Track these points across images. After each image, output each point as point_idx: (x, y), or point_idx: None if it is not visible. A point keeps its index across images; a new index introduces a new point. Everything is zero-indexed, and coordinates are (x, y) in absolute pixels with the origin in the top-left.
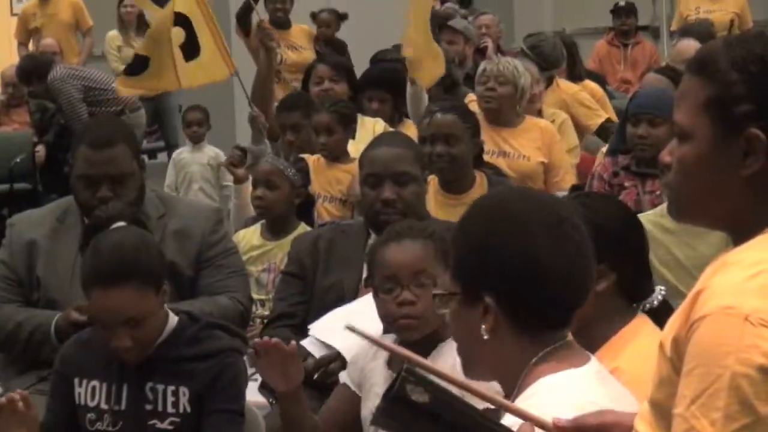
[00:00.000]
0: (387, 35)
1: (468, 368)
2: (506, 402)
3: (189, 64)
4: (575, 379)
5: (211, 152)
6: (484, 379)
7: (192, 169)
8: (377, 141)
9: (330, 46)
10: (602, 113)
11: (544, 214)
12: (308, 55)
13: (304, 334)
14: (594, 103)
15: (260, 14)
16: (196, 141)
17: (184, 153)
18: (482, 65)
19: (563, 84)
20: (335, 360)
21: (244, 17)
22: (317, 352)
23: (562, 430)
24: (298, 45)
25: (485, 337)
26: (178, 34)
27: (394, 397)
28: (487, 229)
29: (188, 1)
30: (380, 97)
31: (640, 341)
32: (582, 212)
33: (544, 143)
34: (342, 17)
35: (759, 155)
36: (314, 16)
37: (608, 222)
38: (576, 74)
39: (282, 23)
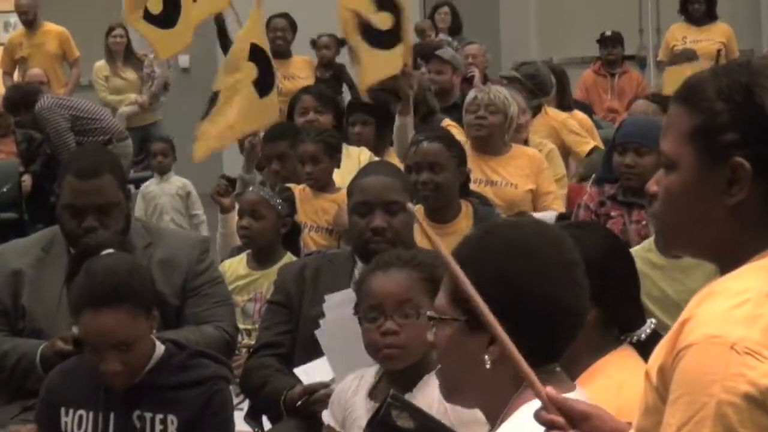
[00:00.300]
0: None
1: (452, 394)
2: None
3: (264, 100)
4: None
5: (178, 182)
6: (468, 406)
7: (162, 201)
8: (367, 170)
9: (329, 69)
10: (590, 140)
11: (561, 256)
12: (304, 84)
13: (290, 363)
14: (582, 130)
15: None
16: (162, 172)
17: (151, 185)
18: (473, 93)
19: (552, 111)
20: (322, 388)
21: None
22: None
23: (551, 400)
24: (295, 75)
25: (487, 366)
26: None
27: (379, 422)
28: (507, 262)
29: (257, 31)
30: (363, 119)
31: (609, 373)
32: None
33: (532, 170)
34: (341, 42)
35: (744, 184)
36: (314, 43)
37: (593, 252)
38: (565, 104)
39: (282, 53)
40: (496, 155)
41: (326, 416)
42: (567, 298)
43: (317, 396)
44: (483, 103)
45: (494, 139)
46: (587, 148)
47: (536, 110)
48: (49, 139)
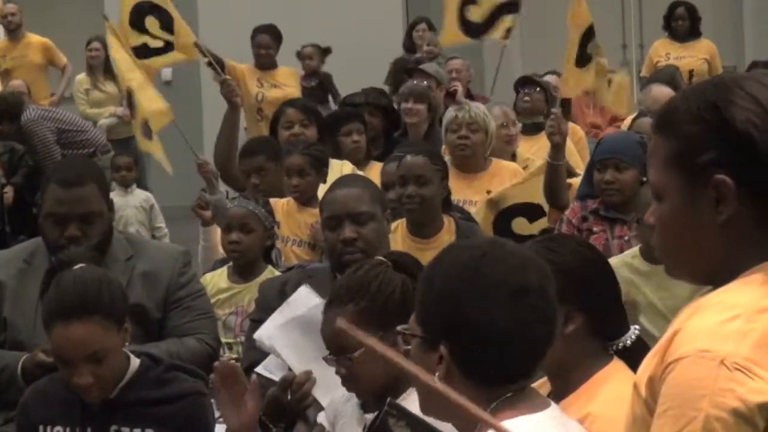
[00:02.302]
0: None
1: (426, 407)
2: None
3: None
4: (529, 422)
5: (142, 195)
6: (443, 419)
7: (127, 213)
8: (334, 185)
9: (315, 78)
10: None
11: (512, 282)
12: (291, 91)
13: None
14: (577, 156)
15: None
16: (126, 185)
17: (115, 198)
18: (452, 112)
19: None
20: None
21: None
22: (276, 374)
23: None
24: (281, 83)
25: (436, 383)
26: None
27: (377, 430)
28: (454, 284)
29: None
30: (358, 128)
31: (613, 386)
32: (546, 255)
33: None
34: (326, 52)
35: (730, 200)
36: (299, 54)
37: (573, 263)
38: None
39: (267, 66)
40: (478, 172)
41: (321, 416)
42: (511, 322)
43: (305, 390)
44: (464, 122)
45: (477, 157)
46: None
47: (539, 127)
48: (35, 151)
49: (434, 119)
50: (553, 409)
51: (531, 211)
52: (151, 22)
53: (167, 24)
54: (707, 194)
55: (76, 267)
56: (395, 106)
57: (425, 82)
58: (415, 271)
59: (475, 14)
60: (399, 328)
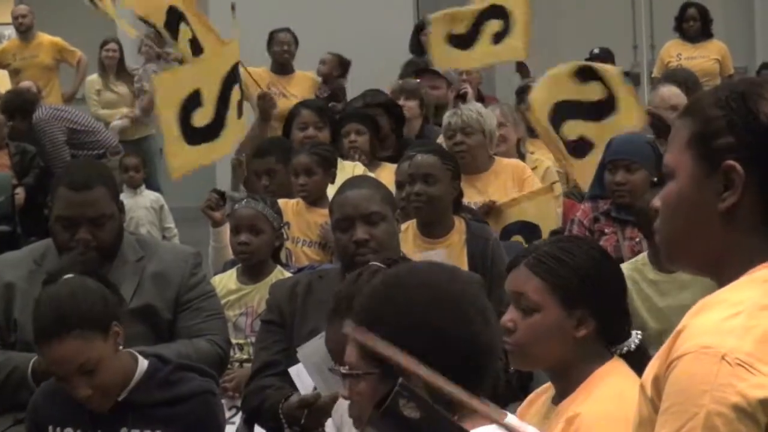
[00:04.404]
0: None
1: None
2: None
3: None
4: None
5: (152, 196)
6: None
7: (138, 214)
8: (344, 186)
9: (328, 87)
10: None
11: (476, 297)
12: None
13: (291, 381)
14: None
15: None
16: (135, 186)
17: (125, 199)
18: (446, 118)
19: None
20: (318, 399)
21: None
22: (302, 385)
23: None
24: (289, 93)
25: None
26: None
27: (385, 409)
28: (427, 308)
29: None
30: (356, 129)
31: (608, 382)
32: (561, 256)
33: (515, 181)
34: (344, 63)
35: (737, 187)
36: (324, 62)
37: (588, 266)
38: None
39: (285, 68)
40: (481, 172)
41: (328, 425)
42: (487, 336)
43: (319, 406)
44: (457, 127)
45: (477, 158)
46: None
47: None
48: (45, 151)
49: (427, 116)
50: (510, 418)
51: (529, 231)
52: (184, 31)
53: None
54: (716, 180)
55: (59, 281)
56: None
57: (435, 83)
58: None
59: (459, 28)
60: (342, 370)
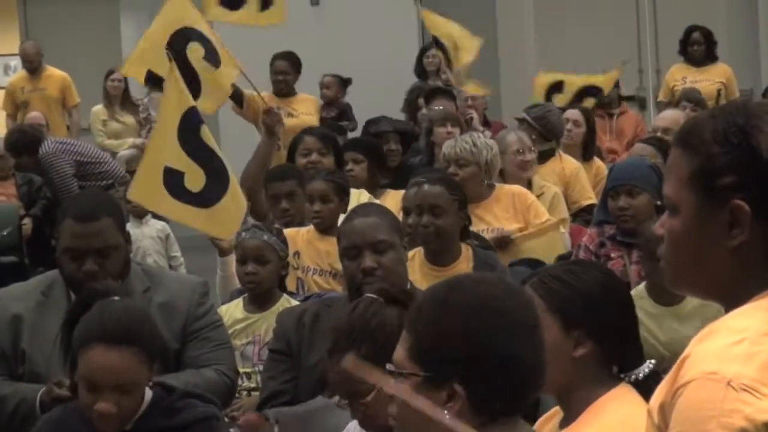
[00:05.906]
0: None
1: None
2: None
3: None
4: None
5: (158, 225)
6: None
7: (144, 244)
8: (352, 214)
9: (334, 108)
10: (592, 196)
11: (525, 316)
12: (308, 119)
13: None
14: (588, 184)
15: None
16: (140, 216)
17: (131, 229)
18: (443, 149)
19: (566, 158)
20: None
21: (236, 93)
22: None
23: None
24: (298, 112)
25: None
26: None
27: None
28: (473, 320)
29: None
30: (354, 158)
31: (614, 408)
32: (566, 277)
33: (518, 209)
34: (346, 82)
35: (744, 226)
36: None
37: (588, 288)
38: (590, 150)
39: (285, 93)
40: (480, 201)
41: None
42: (530, 357)
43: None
44: (451, 159)
45: (471, 189)
46: (584, 203)
47: (549, 153)
48: (53, 183)
49: None
50: None
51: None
52: (195, 49)
53: (211, 54)
54: (722, 216)
55: (120, 298)
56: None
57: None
58: (406, 301)
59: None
60: (387, 366)
